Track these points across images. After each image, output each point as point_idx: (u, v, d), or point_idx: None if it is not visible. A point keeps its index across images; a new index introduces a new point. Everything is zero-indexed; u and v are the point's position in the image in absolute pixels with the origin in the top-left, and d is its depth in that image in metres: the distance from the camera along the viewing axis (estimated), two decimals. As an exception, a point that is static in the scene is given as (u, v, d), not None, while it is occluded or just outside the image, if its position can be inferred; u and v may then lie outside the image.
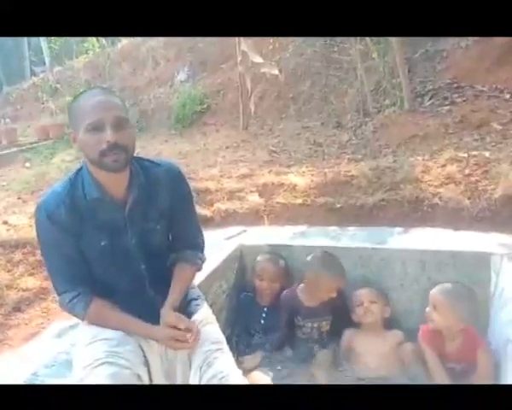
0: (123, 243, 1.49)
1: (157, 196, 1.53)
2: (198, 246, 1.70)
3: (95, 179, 1.43)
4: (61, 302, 1.50)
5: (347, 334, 2.24)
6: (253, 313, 2.41)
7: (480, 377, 1.84)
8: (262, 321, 2.39)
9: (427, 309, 2.00)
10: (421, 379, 1.94)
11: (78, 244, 1.45)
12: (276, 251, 2.50)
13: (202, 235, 1.74)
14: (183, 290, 1.61)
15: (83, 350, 1.48)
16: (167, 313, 1.50)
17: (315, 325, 2.29)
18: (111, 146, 1.33)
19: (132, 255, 1.51)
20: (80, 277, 1.48)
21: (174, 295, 1.56)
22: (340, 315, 2.28)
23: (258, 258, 2.46)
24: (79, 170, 1.48)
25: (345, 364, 2.17)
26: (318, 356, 2.17)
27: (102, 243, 1.46)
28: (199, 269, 1.70)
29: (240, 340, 2.34)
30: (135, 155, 1.49)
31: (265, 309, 2.41)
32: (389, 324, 2.25)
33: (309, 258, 2.27)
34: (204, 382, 1.43)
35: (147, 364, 1.51)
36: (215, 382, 1.42)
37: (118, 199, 1.47)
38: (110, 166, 1.36)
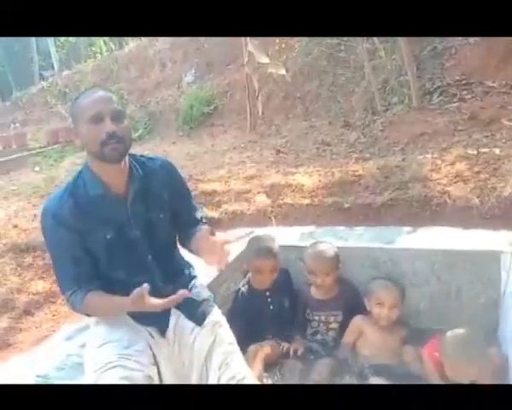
0: (128, 236, 1.52)
1: (156, 188, 1.58)
2: (200, 220, 1.72)
3: (96, 176, 1.49)
4: (66, 300, 1.53)
5: (359, 319, 2.22)
6: (257, 301, 2.35)
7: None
8: (271, 307, 2.34)
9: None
10: (419, 378, 1.95)
11: (84, 242, 1.48)
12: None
13: (203, 215, 1.76)
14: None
15: (94, 353, 1.49)
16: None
17: (322, 318, 2.30)
18: (110, 136, 1.40)
19: (138, 247, 1.54)
20: (85, 276, 1.50)
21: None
22: (351, 313, 2.27)
23: (250, 248, 2.35)
24: (80, 172, 1.54)
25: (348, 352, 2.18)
26: (317, 365, 2.13)
27: (108, 237, 1.49)
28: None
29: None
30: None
31: (268, 293, 2.35)
32: (397, 320, 2.22)
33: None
34: (223, 382, 1.48)
35: (156, 363, 1.52)
36: (235, 382, 1.47)
37: (119, 194, 1.52)
38: (110, 156, 1.42)
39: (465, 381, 1.74)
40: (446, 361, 1.85)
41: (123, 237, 1.51)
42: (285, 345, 2.22)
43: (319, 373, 2.07)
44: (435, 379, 1.91)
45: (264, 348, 2.15)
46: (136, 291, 1.34)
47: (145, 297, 1.35)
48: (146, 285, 1.35)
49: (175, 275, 1.64)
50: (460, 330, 1.87)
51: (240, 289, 2.38)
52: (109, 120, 1.41)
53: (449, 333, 1.88)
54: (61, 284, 1.54)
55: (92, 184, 1.49)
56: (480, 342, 1.83)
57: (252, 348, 2.11)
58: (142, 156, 1.62)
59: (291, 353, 2.19)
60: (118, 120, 1.43)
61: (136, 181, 1.53)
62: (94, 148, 1.43)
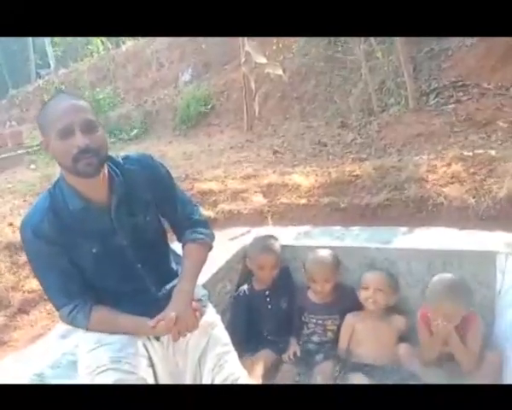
0: (115, 246, 1.46)
1: (138, 190, 1.49)
2: (197, 223, 1.64)
3: (74, 189, 1.41)
4: (62, 316, 1.48)
5: (350, 317, 2.24)
6: (256, 301, 2.37)
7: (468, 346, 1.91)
8: (269, 306, 2.36)
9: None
10: (413, 377, 1.96)
11: (68, 255, 1.43)
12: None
13: (198, 210, 1.69)
14: (193, 271, 1.56)
15: (86, 356, 1.47)
16: (177, 303, 1.46)
17: (320, 321, 2.31)
18: (82, 150, 1.30)
19: (126, 255, 1.48)
20: (75, 287, 1.45)
21: (183, 279, 1.52)
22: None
23: (253, 245, 2.43)
24: (57, 181, 1.45)
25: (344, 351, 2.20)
26: (321, 367, 2.14)
27: (94, 251, 1.43)
28: (207, 245, 1.63)
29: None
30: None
31: (267, 293, 2.37)
32: (393, 310, 2.23)
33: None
34: (217, 383, 1.46)
35: (152, 365, 1.50)
36: (229, 383, 1.45)
37: (101, 204, 1.44)
38: (84, 172, 1.33)
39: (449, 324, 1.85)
40: (431, 304, 1.92)
41: (110, 248, 1.45)
42: (283, 355, 2.24)
43: (321, 378, 2.07)
44: (424, 337, 1.98)
45: (260, 361, 2.15)
46: (164, 321, 1.40)
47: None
48: (173, 315, 1.39)
49: (168, 276, 1.60)
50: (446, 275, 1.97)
51: (242, 288, 2.41)
52: (80, 132, 1.30)
53: (435, 277, 1.97)
54: (52, 299, 1.49)
55: (71, 198, 1.40)
56: (465, 286, 1.92)
57: (247, 360, 2.09)
58: (119, 158, 1.51)
59: (291, 357, 2.21)
60: (90, 132, 1.32)
61: (117, 188, 1.44)
62: (66, 163, 1.34)
